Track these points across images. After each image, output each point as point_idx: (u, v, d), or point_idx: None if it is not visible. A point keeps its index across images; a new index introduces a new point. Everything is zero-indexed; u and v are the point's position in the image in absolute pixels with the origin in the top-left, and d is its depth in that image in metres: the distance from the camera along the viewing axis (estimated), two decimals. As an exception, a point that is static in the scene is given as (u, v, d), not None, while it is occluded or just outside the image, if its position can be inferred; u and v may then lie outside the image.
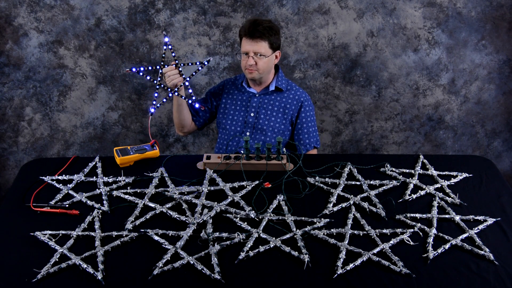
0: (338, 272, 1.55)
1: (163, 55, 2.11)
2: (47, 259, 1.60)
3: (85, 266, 1.57)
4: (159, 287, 1.52)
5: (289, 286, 1.53)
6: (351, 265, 1.58)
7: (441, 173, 2.07)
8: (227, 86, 2.53)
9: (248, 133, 2.45)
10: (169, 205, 1.85)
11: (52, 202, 1.88)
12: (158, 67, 2.12)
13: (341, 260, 1.59)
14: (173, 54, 2.13)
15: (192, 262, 1.59)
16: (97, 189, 1.96)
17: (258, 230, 1.72)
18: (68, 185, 1.98)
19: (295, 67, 3.25)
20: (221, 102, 2.52)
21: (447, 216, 1.81)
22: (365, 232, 1.73)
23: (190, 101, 2.19)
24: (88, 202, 1.88)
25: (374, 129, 3.47)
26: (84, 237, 1.72)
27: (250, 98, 2.46)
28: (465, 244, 1.67)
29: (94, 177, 2.04)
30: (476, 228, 1.75)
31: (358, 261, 1.59)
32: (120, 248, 1.67)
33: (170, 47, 2.10)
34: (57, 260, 1.60)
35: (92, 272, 1.55)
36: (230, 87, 2.52)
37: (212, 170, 2.04)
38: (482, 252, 1.64)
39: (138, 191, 1.94)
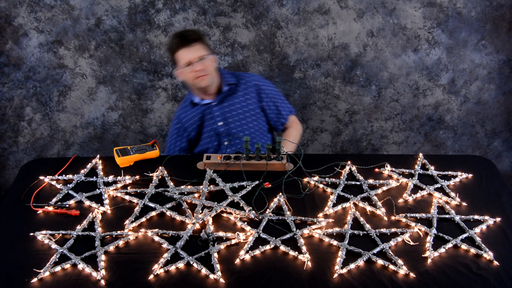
0: (338, 272, 1.55)
1: None
2: (47, 259, 1.61)
3: (85, 266, 1.57)
4: (159, 287, 1.52)
5: (289, 286, 1.53)
6: (351, 265, 1.58)
7: (441, 173, 2.07)
8: (183, 115, 2.49)
9: (226, 142, 2.44)
10: (169, 205, 1.85)
11: (52, 202, 1.88)
12: None
13: (341, 260, 1.60)
14: None
15: (192, 262, 1.59)
16: (97, 189, 1.96)
17: (258, 230, 1.72)
18: (68, 185, 1.98)
19: (295, 67, 3.25)
20: (190, 130, 2.48)
21: (447, 216, 1.81)
22: (365, 232, 1.73)
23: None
24: (88, 202, 1.88)
25: (374, 129, 3.47)
26: (84, 237, 1.72)
27: (210, 108, 2.44)
28: (465, 244, 1.67)
29: (94, 177, 2.04)
30: (476, 228, 1.75)
31: (358, 261, 1.59)
32: (120, 248, 1.67)
33: None
34: (57, 260, 1.60)
35: (92, 272, 1.55)
36: (186, 113, 2.49)
37: (212, 170, 2.04)
38: (482, 252, 1.64)
39: (138, 191, 1.94)
